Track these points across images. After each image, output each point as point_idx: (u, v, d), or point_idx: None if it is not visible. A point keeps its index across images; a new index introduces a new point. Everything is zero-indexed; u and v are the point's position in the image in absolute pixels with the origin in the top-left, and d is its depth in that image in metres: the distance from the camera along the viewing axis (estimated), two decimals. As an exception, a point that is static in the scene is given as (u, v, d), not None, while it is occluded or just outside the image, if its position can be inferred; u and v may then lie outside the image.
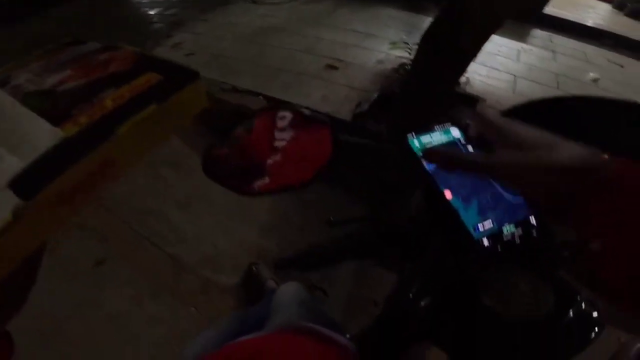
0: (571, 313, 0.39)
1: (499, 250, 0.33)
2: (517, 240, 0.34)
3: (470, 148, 0.37)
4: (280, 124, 0.45)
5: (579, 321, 0.40)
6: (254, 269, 1.28)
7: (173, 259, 1.39)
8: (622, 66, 3.07)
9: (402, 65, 1.93)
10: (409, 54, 1.93)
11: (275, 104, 0.48)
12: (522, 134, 0.27)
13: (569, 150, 0.25)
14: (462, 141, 0.37)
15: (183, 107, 0.25)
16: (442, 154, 0.31)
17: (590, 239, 0.24)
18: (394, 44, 2.03)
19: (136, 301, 1.28)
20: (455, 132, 0.38)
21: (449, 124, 0.38)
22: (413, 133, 0.36)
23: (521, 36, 3.12)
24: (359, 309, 1.24)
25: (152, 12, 3.11)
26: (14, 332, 0.24)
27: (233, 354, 0.44)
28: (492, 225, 0.34)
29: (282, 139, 0.44)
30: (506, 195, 0.35)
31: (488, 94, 2.11)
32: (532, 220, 0.35)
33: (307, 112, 0.44)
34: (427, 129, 0.37)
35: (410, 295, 0.49)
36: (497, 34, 2.89)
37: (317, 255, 0.48)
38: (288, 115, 0.45)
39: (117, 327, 1.20)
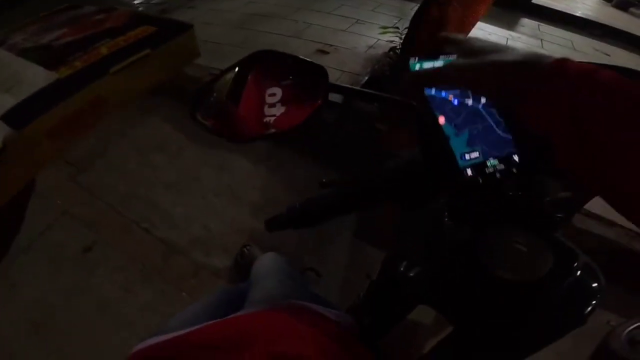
0: (570, 278, 0.39)
1: (480, 182, 0.34)
2: (498, 175, 0.34)
3: None
4: (270, 100, 0.43)
5: (577, 287, 0.39)
6: (246, 250, 1.26)
7: (163, 243, 1.37)
8: (608, 55, 3.12)
9: (393, 48, 1.92)
10: (400, 38, 1.92)
11: (261, 53, 0.46)
12: (477, 44, 0.30)
13: (515, 51, 0.27)
14: None
15: (176, 54, 0.27)
16: (416, 74, 0.33)
17: (542, 130, 0.25)
18: (384, 29, 2.02)
19: (127, 287, 1.26)
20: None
21: (454, 55, 0.36)
22: (417, 57, 0.35)
23: (510, 25, 3.15)
24: (353, 288, 1.24)
25: (137, 2, 3.03)
26: (5, 323, 0.23)
27: (217, 332, 0.41)
28: (477, 156, 0.34)
29: (272, 115, 0.42)
30: (498, 129, 0.35)
31: (477, 78, 2.13)
32: (515, 157, 0.35)
33: (303, 57, 0.43)
34: (431, 55, 0.36)
35: (402, 267, 0.47)
36: (486, 22, 2.92)
37: (311, 209, 0.46)
38: (278, 91, 0.43)
39: (109, 315, 1.18)
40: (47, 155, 0.23)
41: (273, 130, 0.39)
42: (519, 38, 2.98)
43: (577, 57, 0.25)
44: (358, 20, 2.64)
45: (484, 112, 0.36)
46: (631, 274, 1.37)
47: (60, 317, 1.14)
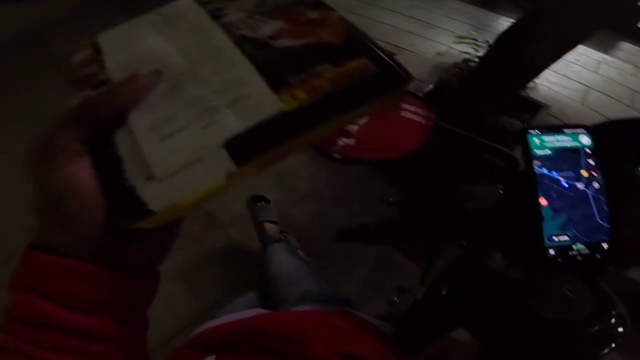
0: (604, 324, 0.40)
1: (559, 261, 0.35)
2: (579, 258, 0.35)
3: (591, 161, 0.36)
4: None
5: (605, 331, 0.40)
6: (283, 237, 1.29)
7: (206, 214, 1.44)
8: None
9: (466, 60, 1.81)
10: (475, 50, 1.81)
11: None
12: None
13: None
14: (588, 150, 0.37)
15: (381, 105, 0.22)
16: None
17: None
18: (460, 38, 1.91)
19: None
20: (585, 140, 0.37)
21: (582, 129, 0.37)
22: (537, 129, 0.36)
23: (606, 47, 2.81)
24: (375, 291, 1.24)
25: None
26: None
27: (283, 324, 0.43)
28: (566, 240, 0.35)
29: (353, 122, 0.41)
30: (598, 217, 0.36)
31: (553, 101, 1.95)
32: (604, 245, 0.36)
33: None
34: (554, 128, 0.37)
35: (450, 288, 0.49)
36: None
37: (382, 231, 0.48)
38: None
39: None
40: (240, 183, 0.21)
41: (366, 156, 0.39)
42: (613, 62, 2.65)
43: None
44: (429, 24, 2.53)
45: (591, 198, 0.36)
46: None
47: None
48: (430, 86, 1.65)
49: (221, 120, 0.20)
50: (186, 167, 0.19)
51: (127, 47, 0.25)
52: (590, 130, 0.38)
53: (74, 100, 0.22)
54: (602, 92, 2.23)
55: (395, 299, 0.91)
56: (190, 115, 0.20)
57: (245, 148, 0.19)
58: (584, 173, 0.36)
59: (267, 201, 1.34)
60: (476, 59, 1.74)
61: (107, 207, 0.19)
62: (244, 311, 0.49)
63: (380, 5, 2.69)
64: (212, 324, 0.45)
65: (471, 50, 1.81)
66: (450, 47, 2.14)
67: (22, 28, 2.16)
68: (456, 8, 2.87)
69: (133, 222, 0.19)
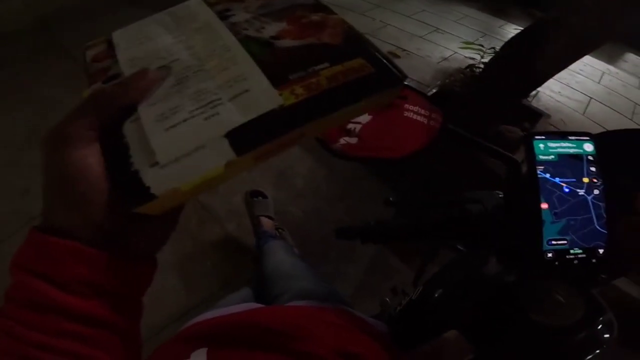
0: (592, 329, 0.41)
1: (556, 264, 0.35)
2: (576, 262, 0.36)
3: (593, 168, 0.37)
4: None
5: (591, 337, 0.41)
6: (278, 233, 1.29)
7: (203, 209, 1.44)
8: None
9: (471, 66, 1.80)
10: (481, 57, 1.80)
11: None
12: None
13: None
14: (591, 158, 0.37)
15: (374, 104, 0.23)
16: None
17: None
18: (467, 44, 1.90)
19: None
20: (588, 147, 0.37)
21: (586, 136, 0.38)
22: (543, 135, 0.37)
23: (611, 58, 2.81)
24: (370, 292, 1.25)
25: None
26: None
27: (279, 318, 0.42)
28: (564, 244, 0.36)
29: (356, 121, 0.42)
30: (596, 223, 0.37)
31: (555, 111, 1.95)
32: (600, 251, 0.36)
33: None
34: (560, 135, 0.37)
35: (444, 291, 0.49)
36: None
37: (383, 231, 0.49)
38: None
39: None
40: (236, 174, 0.21)
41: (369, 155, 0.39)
42: (617, 74, 2.65)
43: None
44: (437, 29, 2.52)
45: (590, 204, 0.36)
46: (633, 331, 1.21)
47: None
48: (434, 90, 1.65)
49: (224, 113, 0.21)
50: (188, 155, 0.20)
51: (138, 44, 0.26)
52: (594, 138, 0.38)
53: (87, 92, 0.23)
54: (603, 104, 2.23)
55: (387, 299, 0.92)
56: (195, 107, 0.21)
57: (245, 139, 0.20)
58: (585, 180, 0.37)
59: (265, 196, 1.34)
60: (481, 65, 1.74)
61: (112, 191, 0.20)
62: (237, 305, 0.48)
63: (390, 9, 2.68)
64: (203, 317, 0.45)
65: (477, 56, 1.80)
66: (455, 52, 2.13)
67: (30, 16, 2.16)
68: (466, 14, 2.87)
69: (136, 205, 0.19)
